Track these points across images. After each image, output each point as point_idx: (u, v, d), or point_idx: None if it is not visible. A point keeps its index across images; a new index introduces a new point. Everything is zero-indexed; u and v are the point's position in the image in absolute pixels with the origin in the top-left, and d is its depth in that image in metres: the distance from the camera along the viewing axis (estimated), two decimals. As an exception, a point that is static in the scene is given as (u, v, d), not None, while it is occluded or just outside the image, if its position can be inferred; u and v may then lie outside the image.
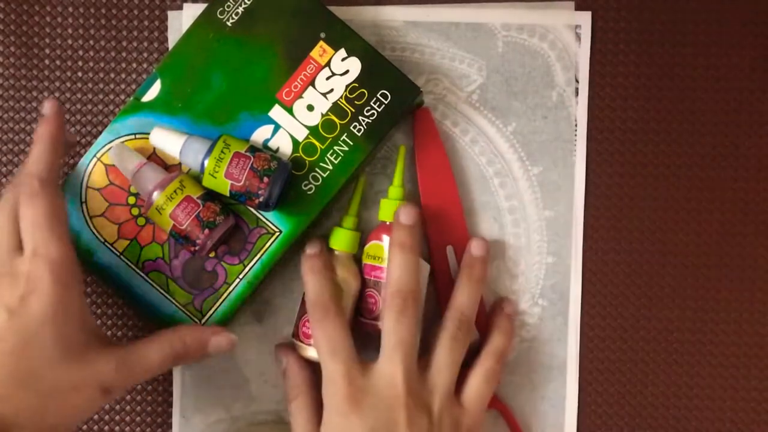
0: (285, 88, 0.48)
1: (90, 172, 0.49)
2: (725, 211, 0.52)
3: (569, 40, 0.52)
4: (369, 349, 0.47)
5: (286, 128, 0.48)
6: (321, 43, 0.48)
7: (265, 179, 0.45)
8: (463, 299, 0.48)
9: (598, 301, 0.53)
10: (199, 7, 0.52)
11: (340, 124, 0.48)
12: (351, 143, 0.48)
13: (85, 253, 0.49)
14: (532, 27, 0.52)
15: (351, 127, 0.48)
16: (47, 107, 0.46)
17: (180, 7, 0.53)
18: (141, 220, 0.49)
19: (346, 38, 0.48)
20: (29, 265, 0.42)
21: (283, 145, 0.48)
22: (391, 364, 0.45)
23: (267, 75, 0.48)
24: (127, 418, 0.53)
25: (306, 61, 0.48)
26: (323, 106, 0.48)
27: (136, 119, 0.49)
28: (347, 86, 0.48)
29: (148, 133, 0.48)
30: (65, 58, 0.53)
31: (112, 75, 0.53)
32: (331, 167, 0.48)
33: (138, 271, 0.49)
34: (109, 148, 0.49)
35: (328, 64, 0.48)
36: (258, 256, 0.48)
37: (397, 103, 0.48)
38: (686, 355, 0.53)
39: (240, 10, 0.48)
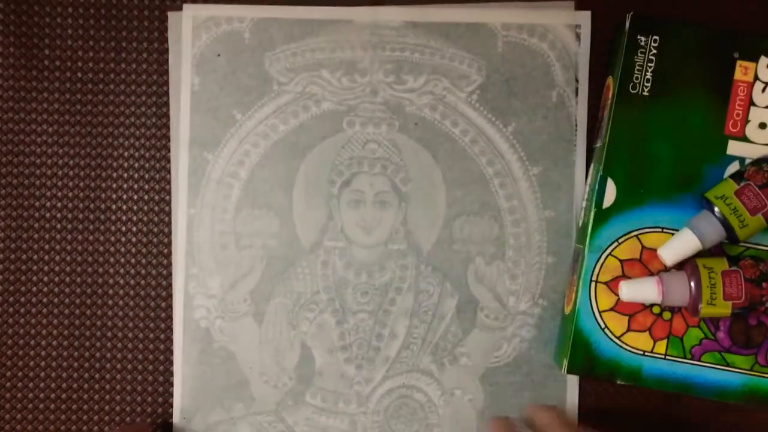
0: (729, 122, 0.47)
1: (595, 298, 0.48)
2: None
3: (569, 40, 0.52)
4: None
5: (749, 156, 0.47)
6: (738, 62, 0.47)
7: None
8: None
9: (599, 301, 0.53)
10: (199, 8, 0.52)
11: None
12: None
13: (634, 373, 0.48)
14: (532, 27, 0.52)
15: None
16: None
17: (180, 8, 0.53)
18: (666, 314, 0.48)
19: (757, 45, 0.47)
20: None
21: None
22: None
23: (705, 119, 0.47)
24: (128, 419, 0.53)
25: (734, 87, 0.47)
26: None
27: (610, 228, 0.48)
28: None
29: (631, 233, 0.48)
30: (65, 58, 0.53)
31: (112, 75, 0.53)
32: None
33: (688, 362, 0.48)
34: (601, 267, 0.48)
35: (756, 78, 0.47)
36: None
37: None
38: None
39: (648, 75, 0.48)
